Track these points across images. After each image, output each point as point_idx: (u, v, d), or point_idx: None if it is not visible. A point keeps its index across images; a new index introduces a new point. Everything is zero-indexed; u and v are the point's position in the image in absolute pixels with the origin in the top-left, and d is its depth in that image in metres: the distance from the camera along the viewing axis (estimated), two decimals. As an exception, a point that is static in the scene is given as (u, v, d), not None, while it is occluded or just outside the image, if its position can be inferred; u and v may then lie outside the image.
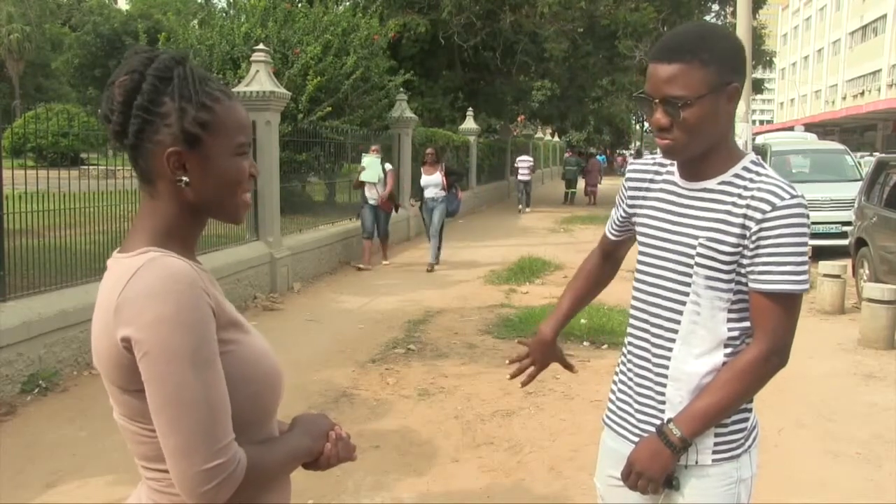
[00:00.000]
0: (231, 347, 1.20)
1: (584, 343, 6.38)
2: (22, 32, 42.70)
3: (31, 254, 5.37)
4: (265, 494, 1.27)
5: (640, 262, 1.75)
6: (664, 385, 1.67)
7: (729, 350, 1.63)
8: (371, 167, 10.12)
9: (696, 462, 1.64)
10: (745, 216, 1.56)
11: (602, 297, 2.10)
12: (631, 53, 19.19)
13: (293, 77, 11.29)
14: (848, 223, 9.95)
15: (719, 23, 21.82)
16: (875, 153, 19.13)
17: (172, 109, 1.18)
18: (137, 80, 1.18)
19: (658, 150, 1.69)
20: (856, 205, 9.23)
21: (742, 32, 10.89)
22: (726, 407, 1.60)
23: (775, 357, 1.58)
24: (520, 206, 20.87)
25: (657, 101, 1.57)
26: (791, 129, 25.42)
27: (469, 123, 20.61)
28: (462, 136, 19.55)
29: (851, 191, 10.30)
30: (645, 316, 1.72)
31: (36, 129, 6.91)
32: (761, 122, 70.83)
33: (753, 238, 1.55)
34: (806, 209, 1.56)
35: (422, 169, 11.05)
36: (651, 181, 1.77)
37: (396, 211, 11.01)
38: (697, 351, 1.63)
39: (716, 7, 23.34)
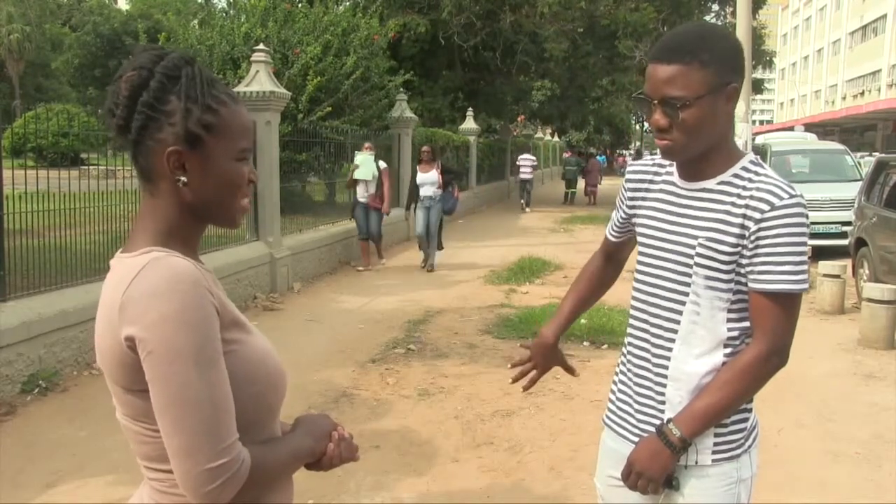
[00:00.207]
0: (234, 347, 1.20)
1: (585, 343, 6.38)
2: (22, 32, 42.71)
3: (31, 254, 5.37)
4: (268, 494, 1.26)
5: (639, 262, 1.76)
6: (664, 385, 1.68)
7: (729, 350, 1.63)
8: (365, 164, 10.00)
9: (696, 462, 1.64)
10: (744, 216, 1.56)
11: (602, 297, 2.10)
12: (631, 53, 19.19)
13: (293, 77, 11.29)
14: (848, 223, 9.95)
15: (719, 23, 21.82)
16: (875, 153, 19.14)
17: (178, 108, 1.18)
18: (145, 77, 1.18)
19: (658, 151, 1.69)
20: (856, 205, 9.23)
21: (742, 32, 10.88)
22: (726, 407, 1.60)
23: (775, 357, 1.58)
24: (522, 202, 21.03)
25: (656, 101, 1.57)
26: (791, 129, 25.44)
27: (469, 123, 20.62)
28: (462, 136, 19.55)
29: (851, 191, 10.30)
30: (645, 316, 1.72)
31: (36, 129, 6.91)
32: (761, 123, 70.84)
33: (752, 238, 1.55)
34: (805, 209, 1.56)
35: (417, 167, 10.83)
36: (651, 182, 1.77)
37: (384, 212, 10.62)
38: (697, 351, 1.64)
39: (716, 7, 23.34)
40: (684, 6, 20.51)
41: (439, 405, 4.92)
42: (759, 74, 27.08)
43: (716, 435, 1.64)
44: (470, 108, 21.04)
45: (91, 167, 9.23)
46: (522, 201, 21.10)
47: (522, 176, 21.18)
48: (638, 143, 62.90)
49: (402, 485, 3.77)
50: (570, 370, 2.09)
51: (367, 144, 10.34)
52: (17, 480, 3.75)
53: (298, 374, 5.27)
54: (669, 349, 1.66)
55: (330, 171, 12.09)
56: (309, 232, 10.05)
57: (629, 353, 1.78)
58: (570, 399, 5.02)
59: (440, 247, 10.69)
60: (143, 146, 1.20)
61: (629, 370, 1.77)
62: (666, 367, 1.67)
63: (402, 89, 14.37)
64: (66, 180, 5.88)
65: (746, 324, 1.62)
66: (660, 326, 1.68)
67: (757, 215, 1.55)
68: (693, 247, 1.62)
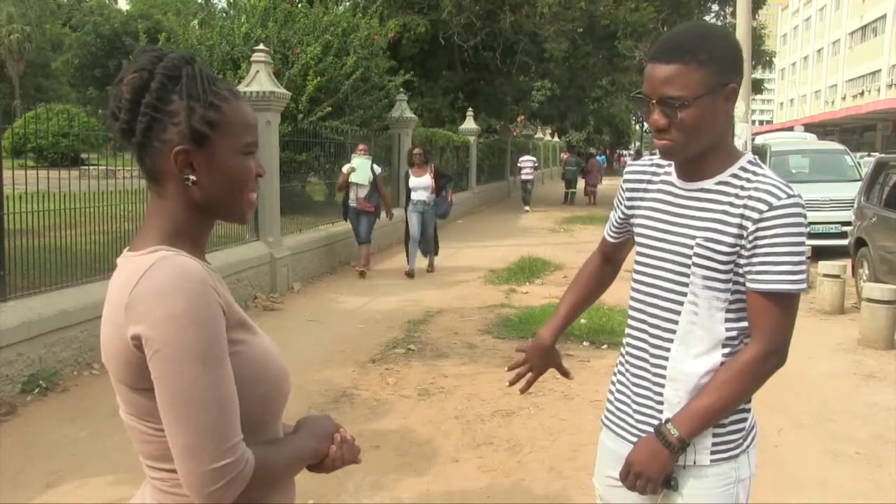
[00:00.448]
0: (240, 348, 1.21)
1: (584, 343, 6.38)
2: (22, 32, 42.73)
3: (31, 254, 5.37)
4: (271, 495, 1.27)
5: (637, 262, 1.76)
6: (662, 385, 1.68)
7: (727, 350, 1.63)
8: (361, 168, 9.53)
9: (695, 462, 1.64)
10: (742, 216, 1.56)
11: (602, 296, 2.10)
12: (631, 53, 19.19)
13: (293, 77, 11.29)
14: (848, 223, 9.95)
15: (719, 23, 21.83)
16: (875, 153, 19.14)
17: (181, 108, 1.18)
18: (146, 78, 1.18)
19: (657, 151, 1.69)
20: (855, 205, 9.23)
21: (742, 32, 10.89)
22: (724, 407, 1.60)
23: (773, 357, 1.58)
24: (524, 198, 21.11)
25: (654, 101, 1.57)
26: (791, 129, 25.43)
27: (469, 124, 20.62)
28: (462, 137, 19.56)
29: (851, 191, 10.30)
30: (643, 316, 1.72)
31: (36, 129, 6.91)
32: (761, 123, 70.91)
33: (750, 238, 1.55)
34: (803, 209, 1.56)
35: (410, 170, 10.17)
36: (649, 182, 1.77)
37: (381, 217, 10.11)
38: (695, 351, 1.64)
39: (716, 7, 23.34)
40: (684, 6, 20.51)
41: (439, 405, 4.92)
42: (758, 74, 27.08)
43: (714, 435, 1.64)
44: (470, 109, 21.05)
45: (91, 167, 9.23)
46: (525, 203, 21.17)
47: (524, 177, 21.27)
48: (638, 143, 62.90)
49: (402, 485, 3.77)
50: (564, 373, 2.09)
51: (361, 146, 9.90)
52: (17, 480, 3.75)
53: (298, 374, 5.27)
54: (668, 349, 1.66)
55: (330, 171, 12.09)
56: (309, 232, 10.05)
57: (627, 353, 1.78)
58: (569, 399, 5.02)
59: (437, 251, 10.38)
60: (148, 148, 1.20)
61: (627, 370, 1.77)
62: (664, 368, 1.67)
63: (402, 89, 14.37)
64: (67, 180, 5.88)
65: (745, 324, 1.62)
66: (658, 326, 1.68)
67: (755, 215, 1.55)
68: (691, 247, 1.62)
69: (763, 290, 1.56)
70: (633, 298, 1.76)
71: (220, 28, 12.20)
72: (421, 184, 9.94)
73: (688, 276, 1.63)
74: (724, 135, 1.63)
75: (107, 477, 3.78)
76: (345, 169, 9.64)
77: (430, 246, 10.20)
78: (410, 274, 9.78)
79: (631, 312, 1.77)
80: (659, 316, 1.68)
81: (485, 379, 5.43)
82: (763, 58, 24.58)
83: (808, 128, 27.51)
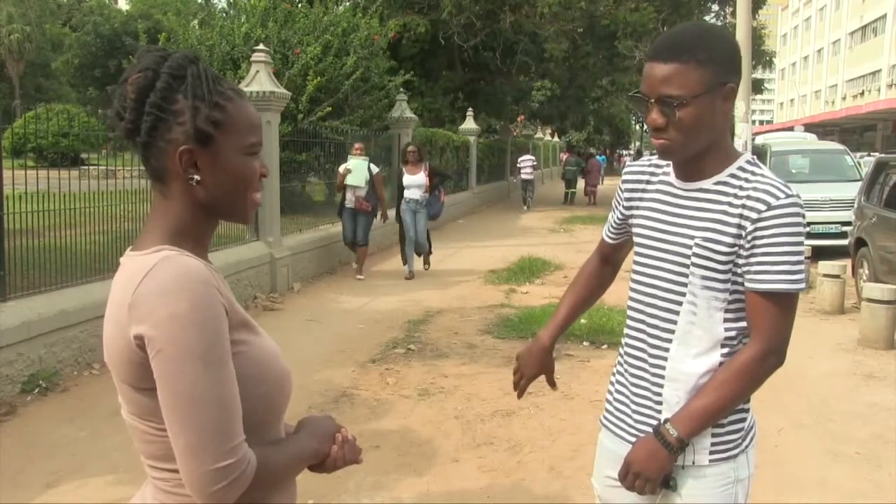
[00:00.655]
0: (242, 348, 1.21)
1: (584, 343, 6.39)
2: (22, 32, 42.74)
3: (31, 254, 5.37)
4: (273, 495, 1.27)
5: (636, 262, 1.76)
6: (661, 385, 1.68)
7: (726, 350, 1.63)
8: (357, 170, 9.33)
9: (693, 462, 1.64)
10: (740, 216, 1.56)
11: (602, 296, 2.10)
12: (631, 54, 19.18)
13: (293, 77, 11.30)
14: (848, 223, 9.95)
15: (719, 23, 21.84)
16: (875, 153, 19.14)
17: (186, 107, 1.18)
18: (151, 78, 1.18)
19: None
20: (855, 205, 9.23)
21: (742, 32, 10.89)
22: (723, 407, 1.60)
23: (772, 357, 1.58)
24: (524, 198, 21.15)
25: (653, 100, 1.57)
26: (791, 129, 25.46)
27: (469, 124, 20.62)
28: (462, 137, 19.56)
29: (851, 191, 10.30)
30: (642, 316, 1.72)
31: (36, 129, 6.91)
32: (761, 123, 70.89)
33: (749, 238, 1.55)
34: (801, 209, 1.56)
35: (403, 168, 10.00)
36: (647, 182, 1.77)
37: (383, 219, 9.98)
38: (694, 351, 1.63)
39: (716, 7, 23.34)
40: (684, 6, 20.51)
41: (439, 405, 4.92)
42: (758, 74, 27.09)
43: (713, 435, 1.64)
44: (470, 109, 21.05)
45: (91, 167, 9.23)
46: (525, 203, 21.20)
47: (524, 176, 21.38)
48: (638, 143, 62.91)
49: (402, 485, 3.77)
50: (551, 383, 2.05)
51: (357, 146, 9.66)
52: (17, 480, 3.75)
53: (299, 374, 5.27)
54: (666, 349, 1.66)
55: (330, 171, 12.07)
56: (309, 232, 10.05)
57: (626, 353, 1.78)
58: (570, 399, 5.02)
59: (430, 250, 10.16)
60: (153, 148, 1.20)
61: (626, 370, 1.77)
62: (663, 368, 1.67)
63: (402, 89, 14.37)
64: (66, 180, 5.88)
65: (743, 324, 1.62)
66: (657, 327, 1.68)
67: (753, 215, 1.55)
68: (689, 247, 1.62)
69: (761, 290, 1.56)
70: (631, 299, 1.76)
71: (220, 28, 12.21)
72: (414, 182, 9.79)
73: (686, 276, 1.63)
74: (722, 135, 1.63)
75: (107, 477, 3.78)
76: (341, 170, 9.54)
77: (423, 245, 9.95)
78: (410, 276, 9.72)
79: (630, 313, 1.77)
80: (658, 316, 1.68)
81: (485, 379, 5.43)
82: (763, 58, 24.58)
83: (809, 128, 27.54)
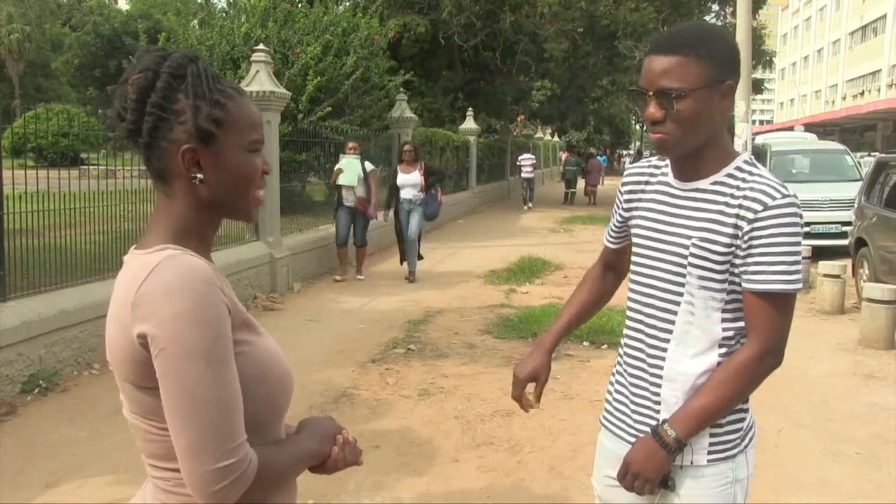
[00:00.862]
0: (244, 348, 1.21)
1: (584, 343, 6.39)
2: (22, 32, 42.74)
3: (31, 254, 5.37)
4: (273, 495, 1.27)
5: (634, 262, 1.76)
6: (659, 386, 1.68)
7: (724, 350, 1.63)
8: (349, 169, 9.26)
9: (692, 462, 1.64)
10: (737, 216, 1.56)
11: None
12: (631, 54, 19.18)
13: (293, 77, 11.30)
14: (848, 223, 9.95)
15: (719, 23, 21.84)
16: (875, 153, 19.13)
17: (187, 107, 1.18)
18: (151, 78, 1.18)
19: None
20: (856, 205, 9.23)
21: (742, 32, 10.89)
22: (721, 407, 1.60)
23: (770, 357, 1.58)
24: (525, 198, 21.18)
25: (651, 93, 1.57)
26: (791, 129, 25.44)
27: (469, 123, 20.63)
28: (462, 136, 19.57)
29: (851, 191, 10.30)
30: (640, 317, 1.72)
31: (36, 129, 6.92)
32: (761, 122, 70.89)
33: (746, 238, 1.55)
34: (798, 209, 1.56)
35: (398, 167, 9.81)
36: (646, 183, 1.77)
37: (379, 218, 9.88)
38: (692, 351, 1.64)
39: (716, 7, 23.36)
40: (684, 6, 20.52)
41: (439, 405, 4.93)
42: (758, 74, 27.09)
43: (711, 435, 1.64)
44: (470, 108, 21.06)
45: (91, 167, 9.23)
46: (525, 202, 21.22)
47: (524, 175, 21.44)
48: (638, 143, 62.90)
49: (402, 485, 3.77)
50: (537, 395, 1.95)
51: (350, 145, 9.53)
52: (17, 480, 3.75)
53: (299, 374, 5.24)
54: (664, 349, 1.67)
55: (330, 171, 12.08)
56: (309, 232, 10.05)
57: (625, 353, 1.78)
58: (569, 399, 5.02)
59: (420, 256, 9.82)
60: (155, 148, 1.21)
61: (625, 371, 1.77)
62: (661, 368, 1.67)
63: (402, 89, 14.37)
64: (66, 180, 5.88)
65: (741, 324, 1.62)
66: (655, 327, 1.68)
67: (750, 215, 1.55)
68: (687, 247, 1.62)
69: (759, 290, 1.56)
70: (630, 299, 1.76)
71: (220, 28, 12.21)
72: (409, 181, 9.61)
73: (684, 276, 1.63)
74: (719, 133, 1.62)
75: (107, 477, 3.78)
76: (336, 169, 9.49)
77: (412, 243, 9.58)
78: (410, 278, 9.59)
79: (628, 313, 1.77)
80: (655, 316, 1.68)
81: (485, 379, 5.42)
82: (763, 58, 24.60)
83: (809, 128, 27.51)
